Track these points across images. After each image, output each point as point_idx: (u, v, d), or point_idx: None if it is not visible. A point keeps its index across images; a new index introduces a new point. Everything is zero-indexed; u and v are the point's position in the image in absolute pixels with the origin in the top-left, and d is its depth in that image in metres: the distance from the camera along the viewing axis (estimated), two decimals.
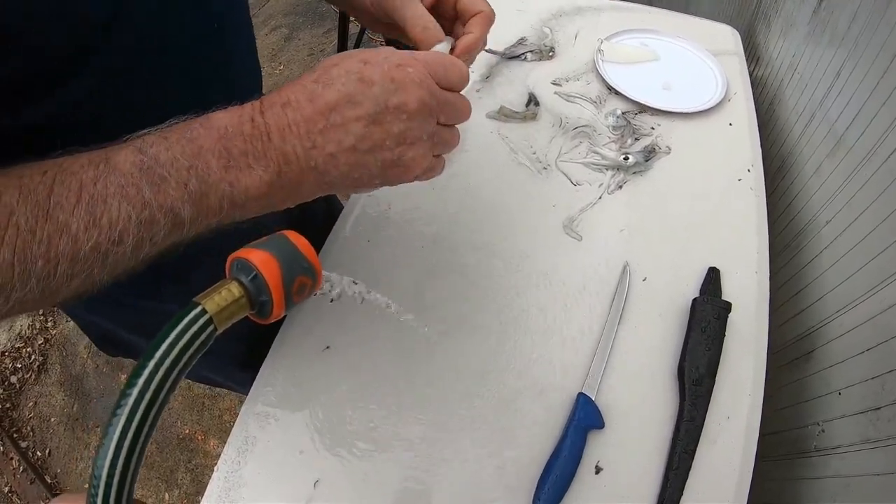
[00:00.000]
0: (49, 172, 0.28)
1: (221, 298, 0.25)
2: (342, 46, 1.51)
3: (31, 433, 1.55)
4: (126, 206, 0.28)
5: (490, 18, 0.43)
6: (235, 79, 0.49)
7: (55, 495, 0.35)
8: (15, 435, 1.54)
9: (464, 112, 0.38)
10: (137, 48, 0.36)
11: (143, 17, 0.35)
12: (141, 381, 0.23)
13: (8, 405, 1.60)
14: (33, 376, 1.65)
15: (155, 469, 1.43)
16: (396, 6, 0.41)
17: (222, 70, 0.46)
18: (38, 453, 1.51)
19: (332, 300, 0.53)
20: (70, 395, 1.59)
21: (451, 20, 0.45)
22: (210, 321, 0.24)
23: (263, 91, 0.59)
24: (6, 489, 1.45)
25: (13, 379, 1.64)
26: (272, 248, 0.27)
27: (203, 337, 0.24)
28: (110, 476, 0.22)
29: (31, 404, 1.60)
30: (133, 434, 0.22)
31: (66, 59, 0.32)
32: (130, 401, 0.22)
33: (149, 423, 0.23)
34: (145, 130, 0.32)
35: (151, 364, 0.23)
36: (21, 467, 1.47)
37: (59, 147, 0.36)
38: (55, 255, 0.27)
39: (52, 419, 1.56)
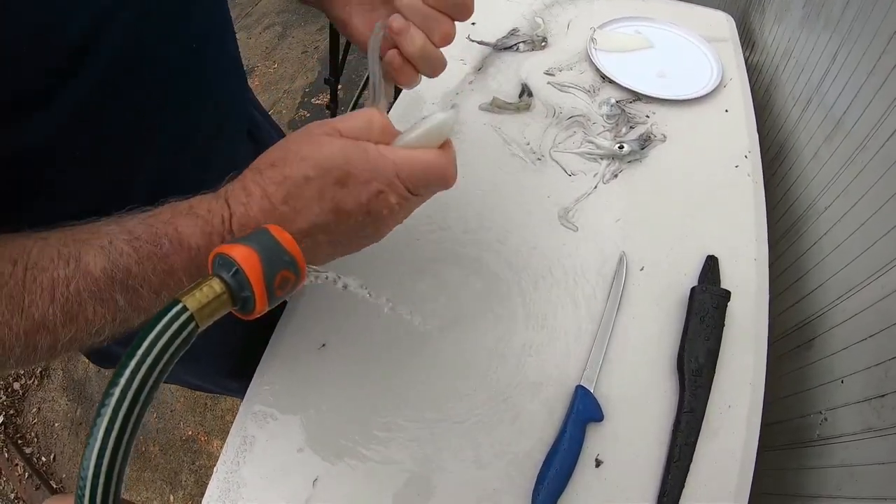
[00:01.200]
0: (20, 263, 0.29)
1: (203, 295, 0.24)
2: (334, 45, 1.51)
3: (36, 439, 1.56)
4: (101, 310, 0.30)
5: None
6: (219, 95, 0.47)
7: None
8: (19, 441, 1.55)
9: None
10: (113, 75, 0.35)
11: (117, 44, 0.34)
12: (123, 380, 0.22)
13: (12, 412, 1.60)
14: (36, 382, 1.65)
15: (159, 471, 1.43)
16: None
17: (205, 89, 0.45)
18: (43, 459, 1.52)
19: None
20: (73, 399, 1.59)
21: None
22: (191, 318, 0.24)
23: (252, 90, 0.59)
24: (12, 495, 1.46)
25: (16, 385, 1.64)
26: (254, 242, 0.26)
27: (184, 334, 0.24)
28: (96, 476, 0.22)
29: (34, 410, 1.60)
30: (117, 433, 0.22)
31: (42, 82, 0.31)
32: (113, 401, 0.22)
33: (132, 421, 0.22)
34: (112, 217, 0.32)
35: (133, 363, 0.23)
36: (26, 473, 1.48)
37: (38, 180, 0.35)
38: (33, 345, 0.29)
39: (56, 424, 1.57)
